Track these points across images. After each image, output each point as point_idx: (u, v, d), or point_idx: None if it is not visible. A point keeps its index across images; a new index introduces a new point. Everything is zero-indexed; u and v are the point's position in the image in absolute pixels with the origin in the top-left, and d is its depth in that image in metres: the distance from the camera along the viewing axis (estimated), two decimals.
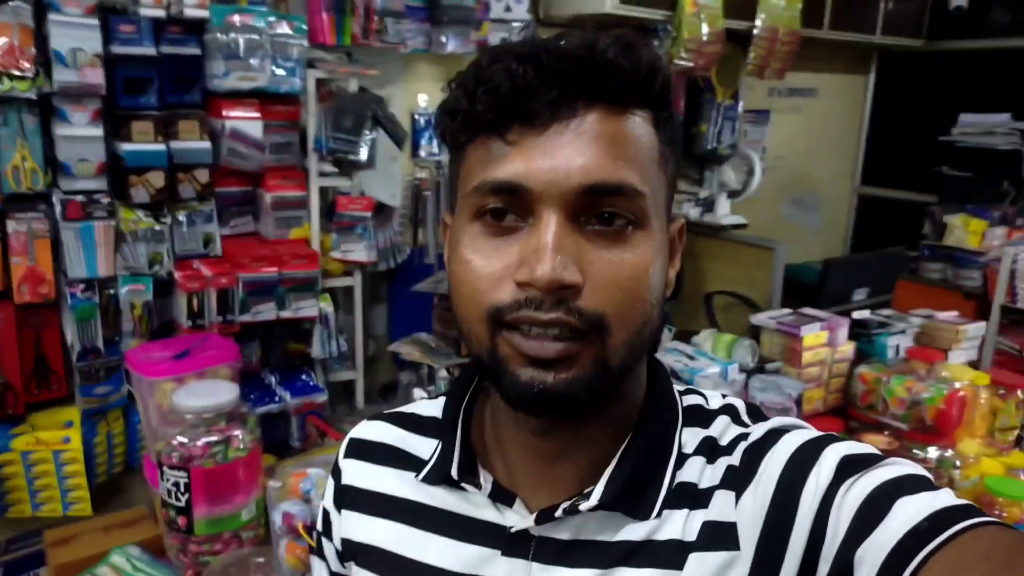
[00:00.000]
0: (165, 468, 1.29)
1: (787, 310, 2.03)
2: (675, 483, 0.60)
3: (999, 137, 3.52)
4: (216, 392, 1.34)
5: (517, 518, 0.62)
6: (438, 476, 0.65)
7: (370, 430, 0.73)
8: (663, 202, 0.58)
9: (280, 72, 2.12)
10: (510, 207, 0.54)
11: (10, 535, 1.85)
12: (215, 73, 2.04)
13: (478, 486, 0.63)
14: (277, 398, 2.13)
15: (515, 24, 2.66)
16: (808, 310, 2.03)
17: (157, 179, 1.99)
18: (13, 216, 1.84)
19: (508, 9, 2.66)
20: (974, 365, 2.11)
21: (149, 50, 1.93)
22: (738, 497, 0.57)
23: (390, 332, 2.69)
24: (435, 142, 2.65)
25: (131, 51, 1.91)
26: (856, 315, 2.09)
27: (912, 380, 1.81)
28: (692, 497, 0.59)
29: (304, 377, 2.26)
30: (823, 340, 1.91)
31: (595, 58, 0.53)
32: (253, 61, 2.06)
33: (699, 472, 0.60)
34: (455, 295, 0.58)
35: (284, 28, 2.11)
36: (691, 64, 2.86)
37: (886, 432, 1.82)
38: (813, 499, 0.52)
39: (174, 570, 1.39)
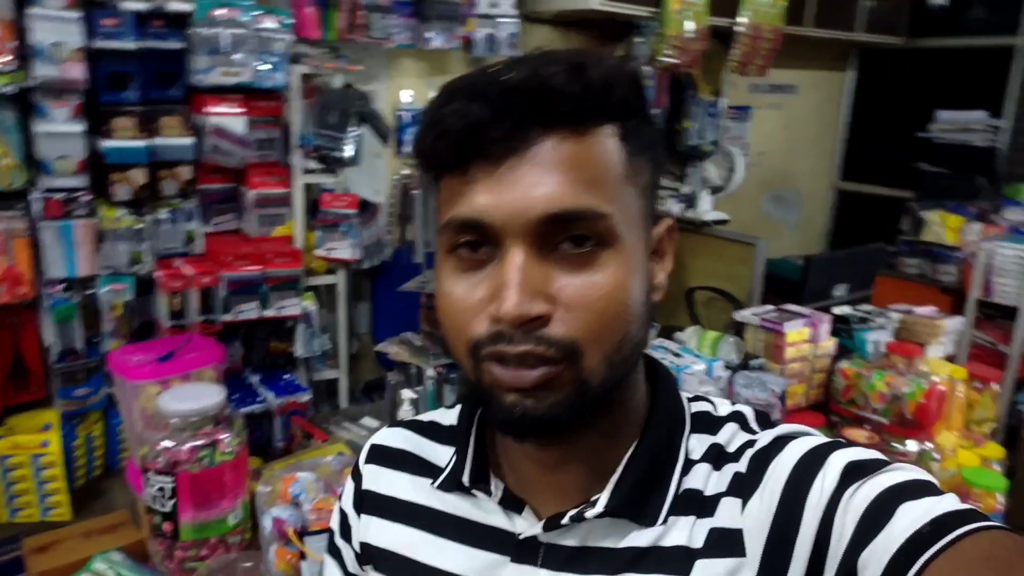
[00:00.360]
0: (150, 473, 1.28)
1: (770, 307, 2.04)
2: (681, 489, 0.60)
3: (976, 134, 3.57)
4: (202, 395, 1.33)
5: (526, 525, 0.63)
6: (452, 483, 0.66)
7: (390, 437, 0.74)
8: (636, 215, 0.58)
9: (264, 67, 2.10)
10: (481, 239, 0.55)
11: None
12: (198, 68, 2.01)
13: (489, 493, 0.64)
14: (260, 398, 2.11)
15: (500, 20, 2.66)
16: (791, 306, 2.04)
17: (139, 176, 1.97)
18: None
19: (494, 5, 2.65)
20: (951, 359, 2.14)
21: (131, 44, 1.90)
22: (744, 504, 0.57)
23: (373, 330, 2.68)
24: None
25: (113, 45, 1.87)
26: (837, 311, 2.11)
27: (892, 375, 1.82)
28: (699, 504, 0.59)
29: (287, 376, 2.25)
30: (806, 336, 1.92)
31: (542, 86, 0.53)
32: (237, 56, 2.04)
33: (705, 479, 0.60)
34: (442, 326, 0.60)
35: (269, 22, 2.09)
36: (676, 61, 2.87)
37: (867, 426, 1.84)
38: (818, 504, 0.53)
39: None
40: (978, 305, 2.86)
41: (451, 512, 0.67)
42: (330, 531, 0.77)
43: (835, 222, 4.46)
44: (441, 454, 0.70)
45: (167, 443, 1.28)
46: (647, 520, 0.59)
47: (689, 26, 2.82)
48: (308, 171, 2.29)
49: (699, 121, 3.30)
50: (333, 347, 2.41)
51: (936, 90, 3.87)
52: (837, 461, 0.54)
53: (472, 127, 0.53)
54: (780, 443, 0.59)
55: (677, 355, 1.84)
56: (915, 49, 3.92)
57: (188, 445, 1.28)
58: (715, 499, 0.59)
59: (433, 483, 0.68)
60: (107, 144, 1.91)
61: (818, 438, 0.59)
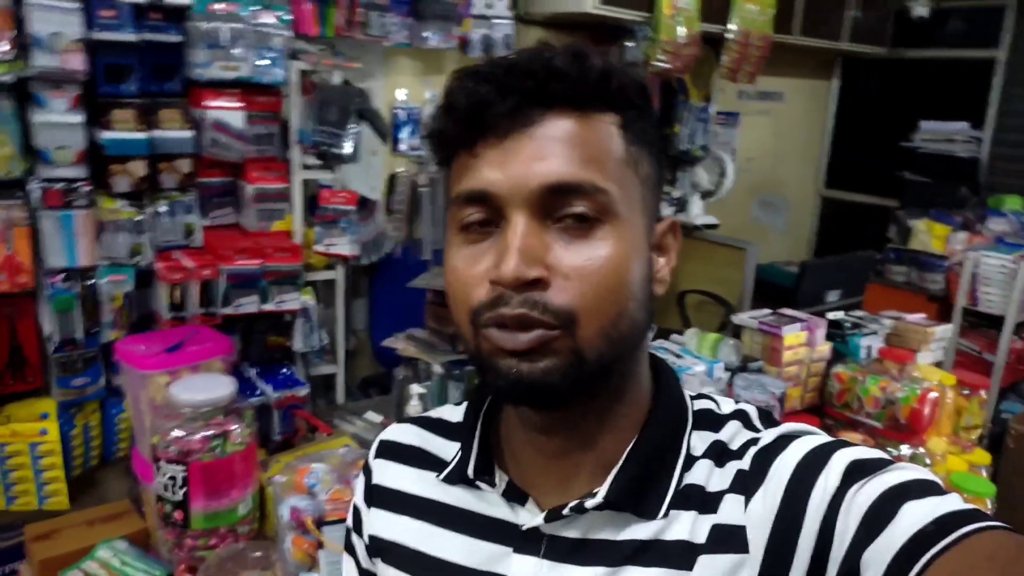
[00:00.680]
0: (162, 462, 1.27)
1: (767, 310, 2.07)
2: (683, 484, 0.61)
3: (958, 144, 3.64)
4: (215, 386, 1.32)
5: (529, 516, 0.63)
6: (457, 476, 0.67)
7: (399, 432, 0.76)
8: (638, 199, 0.60)
9: (263, 63, 2.09)
10: (487, 215, 0.58)
11: None
12: (197, 62, 2.00)
13: (493, 485, 0.65)
14: (259, 391, 2.11)
15: (496, 21, 2.67)
16: (787, 311, 2.07)
17: (138, 168, 1.96)
18: None
19: (489, 6, 2.66)
20: (939, 366, 2.18)
21: (130, 36, 1.89)
22: (747, 501, 0.58)
23: (371, 327, 2.67)
24: (415, 136, 2.65)
25: (112, 37, 1.86)
26: (830, 316, 2.14)
27: (886, 380, 1.86)
28: (700, 499, 0.60)
29: (285, 370, 2.24)
30: (803, 340, 1.95)
31: (545, 67, 0.56)
32: (235, 51, 2.03)
33: (707, 475, 0.61)
34: (448, 301, 0.62)
35: (268, 18, 2.08)
36: (668, 66, 2.90)
37: (860, 430, 1.87)
38: (821, 503, 0.53)
39: (162, 564, 1.37)
40: (963, 313, 2.92)
41: (456, 504, 0.68)
42: (347, 529, 0.78)
43: (820, 228, 4.52)
44: (447, 449, 0.71)
45: (179, 432, 1.27)
46: (648, 513, 0.60)
47: (681, 31, 2.86)
48: (307, 167, 2.29)
49: (689, 126, 3.33)
50: (331, 342, 2.41)
51: (919, 100, 3.94)
52: (840, 460, 0.55)
53: (478, 104, 0.56)
54: (784, 441, 0.59)
55: (678, 356, 1.86)
56: (898, 60, 3.99)
57: (200, 435, 1.28)
58: (718, 495, 0.60)
59: (439, 476, 0.69)
60: (106, 135, 1.90)
61: (822, 437, 0.60)
